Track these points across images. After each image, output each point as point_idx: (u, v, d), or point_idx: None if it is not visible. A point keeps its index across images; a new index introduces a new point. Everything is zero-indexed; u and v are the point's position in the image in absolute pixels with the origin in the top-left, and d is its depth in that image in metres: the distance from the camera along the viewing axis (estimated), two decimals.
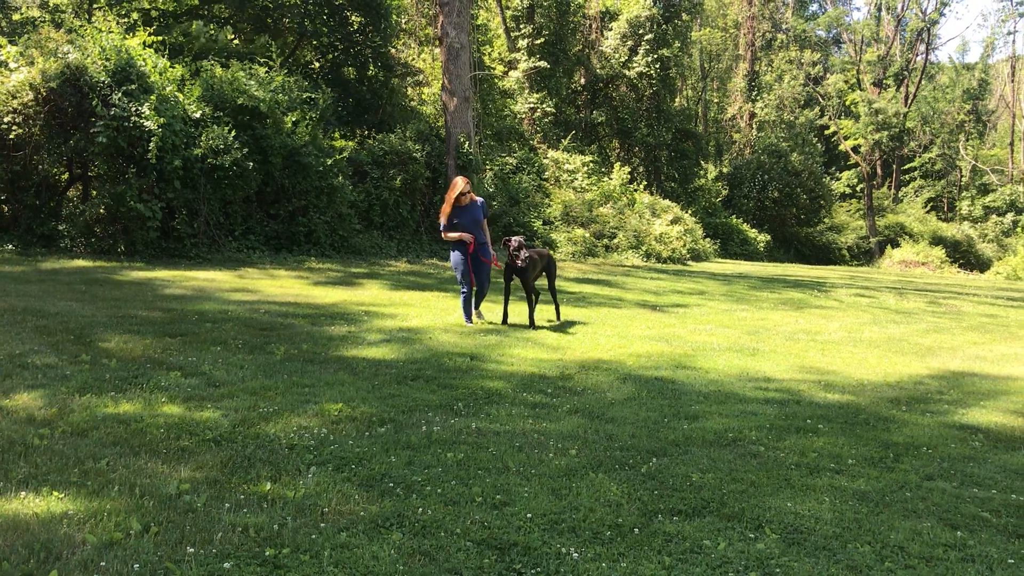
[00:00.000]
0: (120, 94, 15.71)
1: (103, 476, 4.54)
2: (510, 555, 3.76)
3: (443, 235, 10.45)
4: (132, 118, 15.46)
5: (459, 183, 10.27)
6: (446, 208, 10.32)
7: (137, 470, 4.67)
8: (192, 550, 3.65)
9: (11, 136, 16.04)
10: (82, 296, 11.07)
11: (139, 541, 3.73)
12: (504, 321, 10.76)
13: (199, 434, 5.37)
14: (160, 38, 19.19)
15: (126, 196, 15.47)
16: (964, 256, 45.28)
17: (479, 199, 10.55)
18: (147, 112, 15.40)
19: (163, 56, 17.69)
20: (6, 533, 3.72)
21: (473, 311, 10.84)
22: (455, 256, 10.50)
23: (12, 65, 16.27)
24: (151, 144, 15.30)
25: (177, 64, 17.80)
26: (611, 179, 31.89)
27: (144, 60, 16.66)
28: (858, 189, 53.97)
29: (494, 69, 33.28)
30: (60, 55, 15.92)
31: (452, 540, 3.89)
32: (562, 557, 3.77)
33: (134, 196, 15.53)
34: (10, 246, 15.91)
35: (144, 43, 17.52)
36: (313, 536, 3.86)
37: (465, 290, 10.54)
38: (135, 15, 21.05)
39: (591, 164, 32.33)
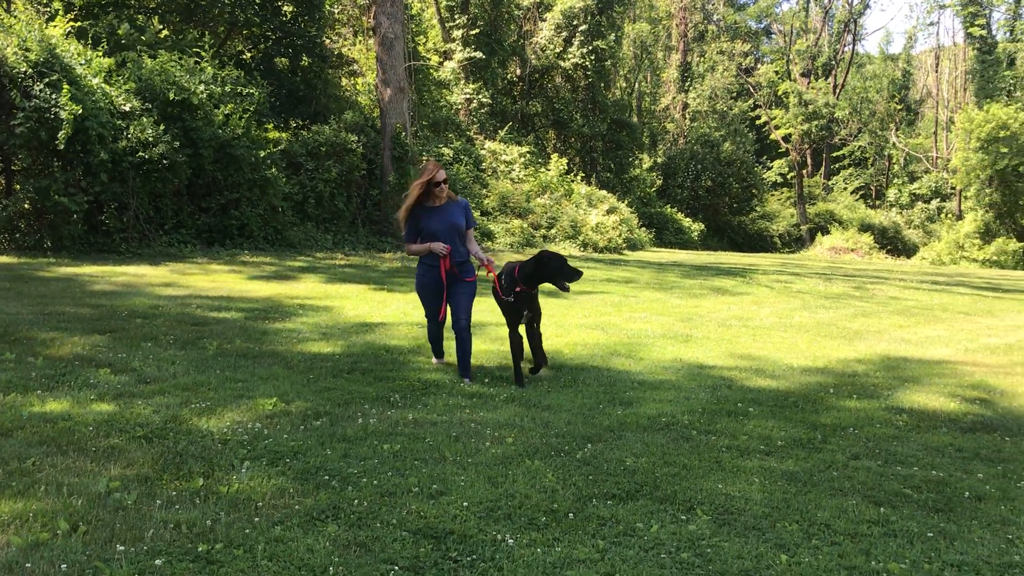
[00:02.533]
0: (42, 85, 15.26)
1: (29, 476, 4.43)
2: (446, 543, 3.78)
3: (407, 248, 7.37)
4: (54, 109, 15.04)
5: (431, 168, 7.06)
6: (409, 205, 7.17)
7: (65, 469, 4.57)
8: (122, 548, 3.60)
9: None
10: (6, 293, 10.76)
11: (67, 541, 3.66)
12: (520, 383, 7.10)
13: (129, 431, 5.27)
14: (82, 24, 18.70)
15: (51, 190, 15.06)
16: (892, 242, 46.51)
17: (461, 199, 7.38)
18: (63, 101, 14.96)
19: (87, 46, 17.22)
20: None
21: (439, 354, 7.82)
22: (422, 277, 7.33)
23: None
24: (60, 134, 14.86)
25: (99, 51, 17.33)
26: (548, 170, 32.03)
27: (67, 50, 16.19)
28: (789, 178, 55.03)
29: (429, 59, 33.12)
30: None
31: (388, 530, 3.89)
32: (497, 544, 3.80)
33: (59, 190, 15.13)
34: None
35: (65, 32, 17.04)
36: (247, 531, 3.83)
37: (431, 327, 7.62)
38: (57, 3, 20.42)
39: (528, 155, 32.41)
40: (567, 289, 7.19)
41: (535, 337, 7.50)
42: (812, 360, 8.76)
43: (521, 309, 7.24)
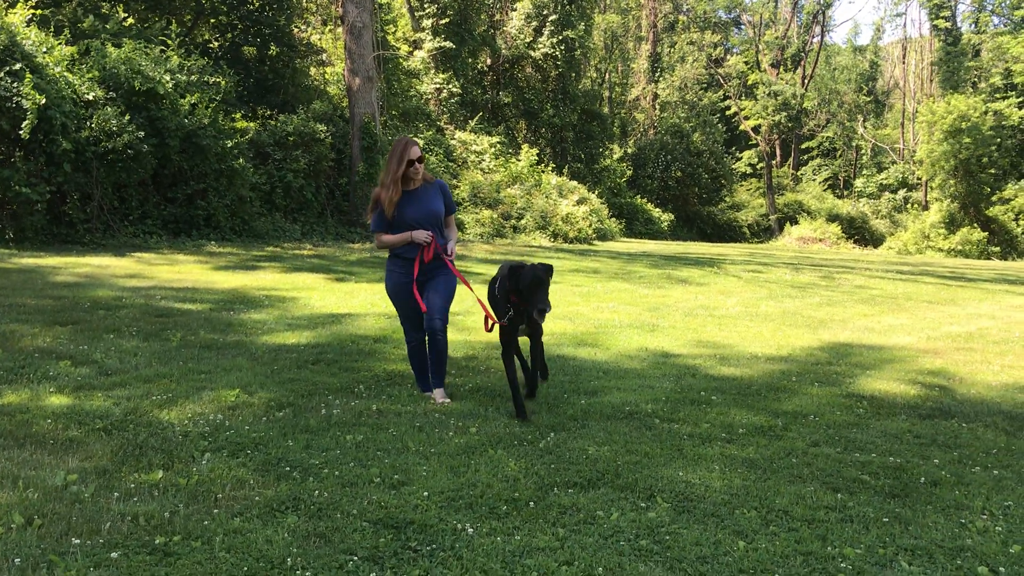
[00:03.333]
0: (2, 74, 15.00)
1: None
2: (406, 533, 3.78)
3: (376, 240, 6.17)
4: (15, 99, 14.80)
5: (401, 145, 5.92)
6: (383, 192, 5.97)
7: (21, 462, 4.52)
8: (78, 541, 3.56)
9: None
10: None
11: (21, 534, 3.62)
12: (521, 415, 5.77)
13: (88, 424, 5.22)
14: (44, 12, 18.41)
15: (12, 180, 14.84)
16: (859, 232, 46.99)
17: (437, 180, 6.19)
18: (26, 90, 14.73)
19: (49, 34, 16.95)
20: None
21: (430, 382, 6.32)
22: (396, 276, 6.16)
23: None
24: (24, 124, 14.63)
25: (61, 40, 17.06)
26: (518, 160, 32.01)
27: (28, 37, 15.93)
28: (758, 168, 55.43)
29: (399, 49, 32.96)
30: None
31: (348, 521, 3.88)
32: (458, 533, 3.80)
33: (21, 180, 14.91)
34: None
35: (27, 20, 16.77)
36: (205, 522, 3.81)
37: (413, 341, 6.34)
38: None
39: (498, 145, 32.38)
40: (536, 321, 5.71)
41: (538, 350, 6.22)
42: (776, 349, 8.84)
43: (517, 325, 5.91)
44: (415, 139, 5.79)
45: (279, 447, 4.95)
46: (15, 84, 14.93)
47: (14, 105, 14.79)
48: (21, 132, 14.74)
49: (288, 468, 4.59)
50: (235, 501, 4.09)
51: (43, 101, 14.85)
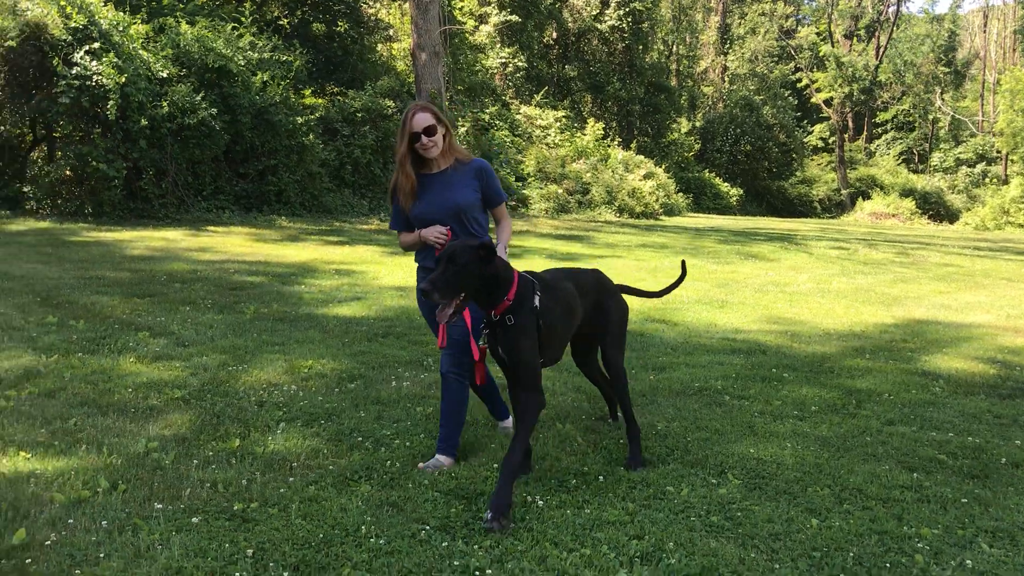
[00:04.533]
0: (82, 52, 15.38)
1: (71, 436, 4.54)
2: (476, 504, 3.82)
3: (399, 240, 4.63)
4: (95, 77, 15.17)
5: (413, 113, 4.33)
6: (397, 183, 4.46)
7: (105, 429, 4.67)
8: (160, 506, 3.68)
9: None
10: (48, 258, 10.96)
11: (107, 498, 3.75)
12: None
13: (168, 393, 5.37)
14: None
15: (91, 157, 15.24)
16: (934, 207, 45.64)
17: (475, 160, 4.55)
18: (107, 70, 15.10)
19: (124, 12, 17.32)
20: None
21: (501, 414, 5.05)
22: (420, 286, 4.15)
23: None
24: (110, 103, 15.01)
25: (137, 18, 17.42)
26: (584, 134, 31.79)
27: (106, 17, 16.29)
28: (830, 142, 54.13)
29: (464, 23, 32.88)
30: (18, 12, 15.54)
31: (420, 491, 3.93)
32: (528, 505, 3.82)
33: (99, 157, 15.30)
34: None
35: None
36: (282, 490, 3.90)
37: (457, 376, 4.45)
38: None
39: (564, 119, 32.19)
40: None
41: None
42: (849, 326, 8.66)
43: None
44: (430, 104, 4.49)
45: (351, 418, 5.03)
46: (94, 63, 15.29)
47: (94, 83, 15.16)
48: (104, 111, 15.13)
49: (360, 438, 4.67)
50: (309, 470, 4.18)
51: (123, 80, 15.19)
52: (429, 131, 4.31)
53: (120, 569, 3.12)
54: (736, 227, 25.61)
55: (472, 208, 4.44)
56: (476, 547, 3.39)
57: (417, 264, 4.67)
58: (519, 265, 9.75)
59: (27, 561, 3.15)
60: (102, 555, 3.23)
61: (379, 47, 29.18)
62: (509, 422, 4.86)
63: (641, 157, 32.90)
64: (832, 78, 48.50)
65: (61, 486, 3.86)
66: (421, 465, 4.26)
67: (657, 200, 28.81)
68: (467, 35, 32.03)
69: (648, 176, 30.35)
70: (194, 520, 3.54)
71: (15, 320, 7.28)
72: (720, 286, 11.30)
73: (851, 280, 12.62)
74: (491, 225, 4.65)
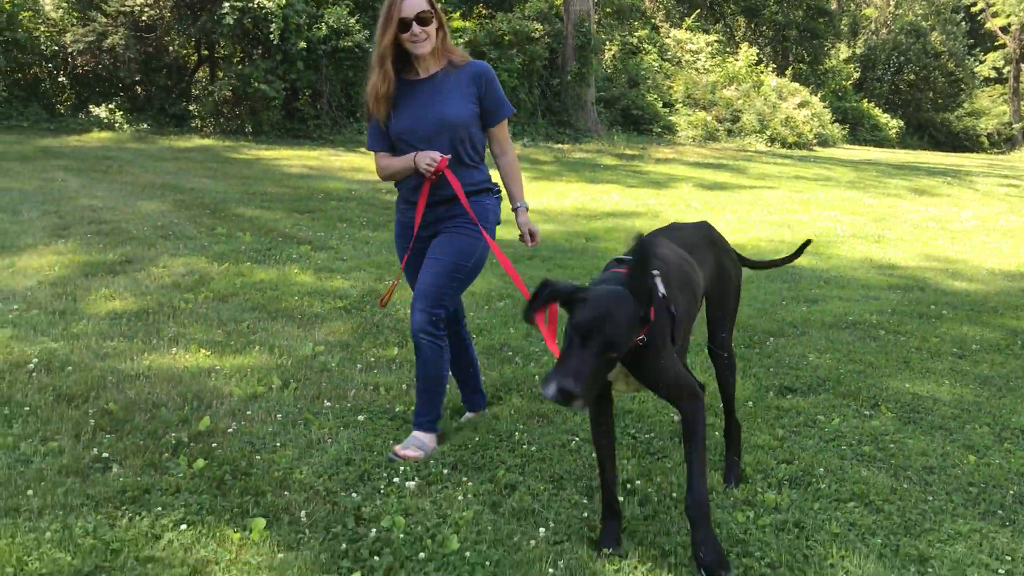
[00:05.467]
0: None
1: (244, 337, 4.88)
2: (624, 420, 3.91)
3: (377, 165, 3.68)
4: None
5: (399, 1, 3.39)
6: (376, 87, 3.49)
7: (275, 333, 5.00)
8: (328, 404, 3.94)
9: (143, 18, 16.57)
10: (214, 173, 11.58)
11: (280, 395, 4.04)
12: (609, 543, 2.86)
13: (330, 302, 5.67)
14: None
15: (252, 77, 15.87)
16: None
17: (473, 62, 3.60)
18: None
19: None
20: (162, 383, 4.08)
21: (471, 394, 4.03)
22: (399, 225, 3.80)
23: None
24: (272, 26, 15.51)
25: None
26: (736, 60, 30.70)
27: None
28: (1004, 72, 50.39)
29: None
30: None
31: None
32: (676, 425, 3.89)
33: (259, 77, 15.91)
34: (145, 125, 16.65)
35: None
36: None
37: (432, 339, 3.53)
38: None
39: (715, 44, 31.13)
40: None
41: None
42: (1017, 265, 8.21)
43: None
44: None
45: (501, 334, 5.19)
46: None
47: (256, 5, 15.69)
48: (266, 33, 15.66)
49: (511, 353, 4.82)
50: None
51: (284, 2, 15.65)
52: (423, 19, 3.37)
53: (295, 457, 3.38)
54: (895, 160, 24.39)
55: (466, 125, 3.52)
56: (624, 461, 3.49)
57: (398, 197, 3.71)
58: (666, 195, 9.51)
59: (213, 445, 3.45)
60: (278, 444, 3.50)
61: None
62: (425, 440, 3.54)
63: (796, 85, 31.53)
64: (1014, 2, 44.88)
65: (238, 381, 4.18)
66: (397, 448, 3.44)
67: (811, 130, 27.67)
68: None
69: (803, 105, 29.13)
70: (359, 418, 3.77)
71: (188, 230, 7.78)
72: (876, 220, 10.87)
73: (1020, 219, 11.89)
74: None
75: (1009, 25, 46.47)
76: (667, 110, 25.08)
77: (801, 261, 7.88)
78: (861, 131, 37.04)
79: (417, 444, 3.48)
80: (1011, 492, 3.31)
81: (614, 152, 18.62)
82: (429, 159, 3.38)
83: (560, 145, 19.94)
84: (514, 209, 3.76)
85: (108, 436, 3.48)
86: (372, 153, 3.67)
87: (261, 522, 2.84)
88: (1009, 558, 2.84)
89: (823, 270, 7.58)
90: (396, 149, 3.55)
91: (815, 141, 27.87)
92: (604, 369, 2.46)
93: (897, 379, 4.62)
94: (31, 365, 4.20)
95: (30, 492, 2.98)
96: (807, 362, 4.86)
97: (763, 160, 19.97)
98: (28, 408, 3.69)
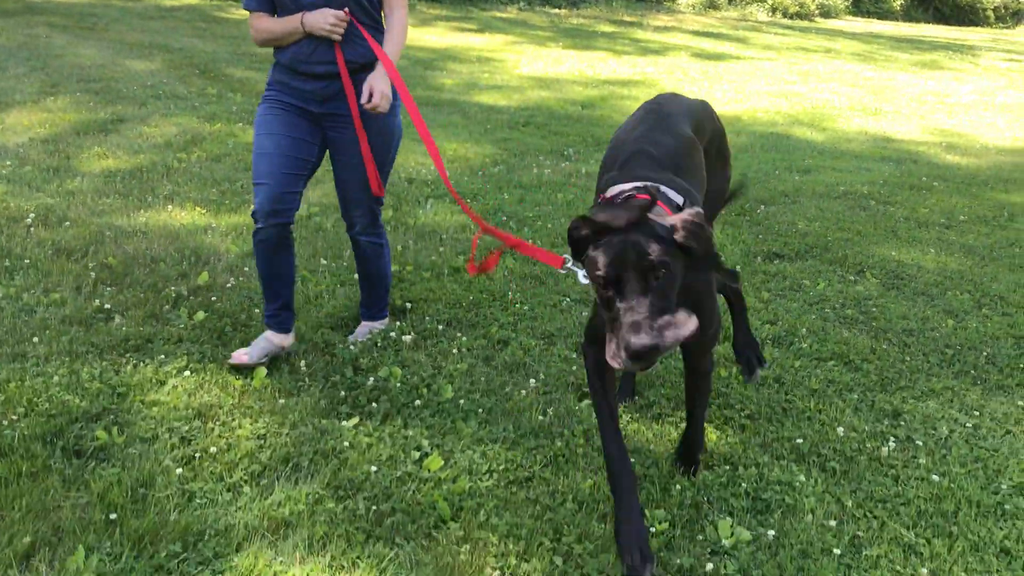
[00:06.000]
0: None
1: (239, 196, 4.90)
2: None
3: (253, 32, 3.00)
4: None
5: None
6: None
7: None
8: (325, 262, 4.00)
9: None
10: (203, 33, 11.32)
11: None
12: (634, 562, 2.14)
13: (324, 163, 5.64)
14: None
15: None
16: None
17: None
18: None
19: None
20: (160, 239, 4.13)
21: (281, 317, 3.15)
22: (264, 102, 3.05)
23: None
24: None
25: None
26: None
27: None
28: None
29: None
30: None
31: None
32: None
33: None
34: None
35: None
36: (433, 257, 4.15)
37: (261, 227, 2.98)
38: None
39: None
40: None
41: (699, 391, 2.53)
42: (1012, 140, 8.20)
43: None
44: None
45: (495, 199, 5.22)
46: None
47: None
48: None
49: (505, 218, 4.86)
50: (457, 242, 4.42)
51: None
52: None
53: (296, 308, 3.45)
54: (898, 34, 23.89)
55: None
56: None
57: (277, 65, 3.00)
58: (663, 64, 9.26)
59: (212, 299, 3.53)
60: None
61: None
62: (379, 327, 3.37)
63: None
64: None
65: (235, 239, 4.23)
66: (352, 338, 3.30)
67: (814, 0, 26.98)
68: None
69: None
70: (355, 276, 3.83)
71: (179, 90, 7.67)
72: (874, 93, 10.76)
73: (1019, 94, 11.78)
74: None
75: None
76: None
77: (797, 132, 7.90)
78: (864, 2, 36.08)
79: (372, 328, 3.34)
80: (984, 354, 3.43)
81: (612, 19, 18.18)
82: (332, 19, 2.81)
83: (556, 10, 19.45)
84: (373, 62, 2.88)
85: (109, 289, 3.56)
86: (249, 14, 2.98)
87: (262, 370, 2.95)
88: (977, 413, 2.97)
89: (818, 142, 7.57)
90: (278, 8, 2.92)
91: (817, 12, 27.21)
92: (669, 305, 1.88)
93: (884, 247, 4.70)
94: (28, 220, 4.24)
95: (35, 339, 3.07)
96: (796, 229, 4.92)
97: (764, 30, 19.54)
98: (28, 261, 3.75)
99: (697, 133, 2.57)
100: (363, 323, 3.39)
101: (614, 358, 1.85)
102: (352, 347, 3.21)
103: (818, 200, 5.59)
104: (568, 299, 3.76)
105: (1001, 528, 2.36)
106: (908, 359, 3.35)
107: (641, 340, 1.77)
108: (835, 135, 7.92)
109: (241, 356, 2.98)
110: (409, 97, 2.85)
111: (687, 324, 1.81)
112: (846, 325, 3.63)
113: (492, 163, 6.10)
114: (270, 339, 3.06)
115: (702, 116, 2.71)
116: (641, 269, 1.83)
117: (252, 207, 2.98)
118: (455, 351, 3.22)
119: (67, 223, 4.25)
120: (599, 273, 1.87)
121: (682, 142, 2.42)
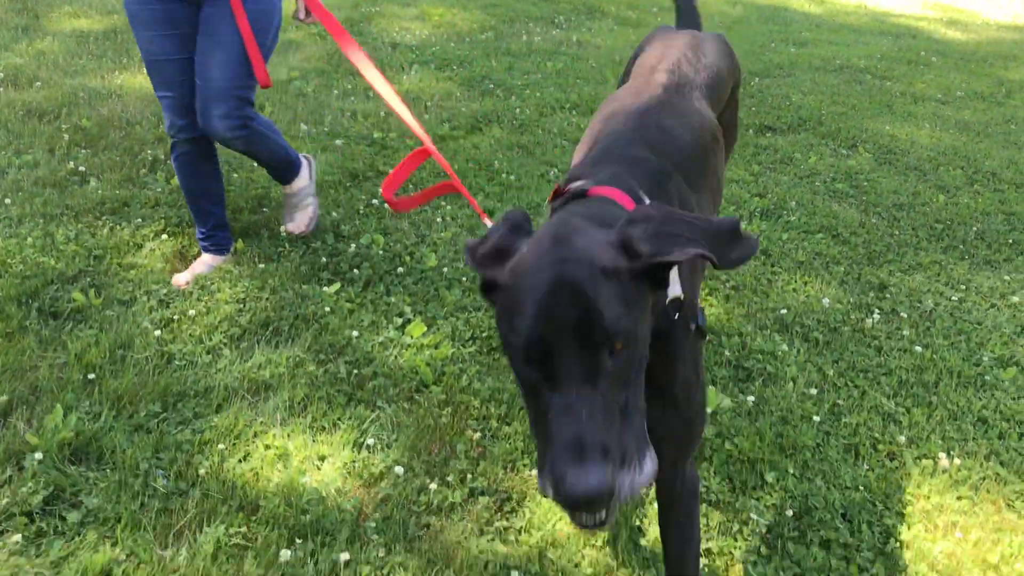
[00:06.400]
0: None
1: None
2: None
3: None
4: None
5: None
6: None
7: None
8: (305, 127, 3.89)
9: None
10: None
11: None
12: None
13: (304, 28, 5.45)
14: None
15: None
16: None
17: None
18: None
19: None
20: (135, 102, 4.00)
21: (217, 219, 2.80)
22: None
23: None
24: None
25: None
26: None
27: None
28: None
29: None
30: None
31: (548, 138, 4.03)
32: None
33: None
34: None
35: None
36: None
37: (175, 138, 2.62)
38: None
39: None
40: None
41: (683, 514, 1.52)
42: (1014, 16, 7.99)
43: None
44: None
45: (483, 66, 5.06)
46: None
47: None
48: None
49: (492, 86, 4.72)
50: (443, 109, 4.30)
51: None
52: None
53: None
54: None
55: None
56: None
57: None
58: None
59: None
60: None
61: None
62: (303, 182, 2.94)
63: None
64: None
65: None
66: (292, 228, 2.95)
67: None
68: None
69: None
70: (337, 142, 3.74)
71: None
72: None
73: None
74: None
75: None
76: None
77: (794, 4, 7.66)
78: None
79: (210, 264, 2.76)
80: (974, 229, 3.40)
81: None
82: None
83: None
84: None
85: (83, 151, 3.45)
86: None
87: (240, 239, 2.89)
88: (963, 287, 2.96)
89: (816, 15, 7.35)
90: None
91: None
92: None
93: (878, 121, 4.61)
94: None
95: (8, 201, 2.99)
96: (790, 102, 4.81)
97: None
98: None
99: (718, 101, 1.91)
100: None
101: (544, 490, 1.02)
102: (333, 213, 3.14)
103: (813, 73, 5.46)
104: (555, 169, 3.68)
105: (980, 398, 2.37)
106: (897, 233, 3.31)
107: (584, 481, 0.95)
108: (833, 8, 7.69)
109: (180, 281, 2.64)
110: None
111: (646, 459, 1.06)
112: (836, 199, 3.58)
113: (480, 29, 5.91)
114: (207, 263, 2.72)
115: (725, 73, 1.97)
116: (586, 337, 1.00)
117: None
118: (439, 220, 3.16)
119: (38, 83, 4.10)
120: (514, 341, 1.04)
121: (699, 138, 1.63)
